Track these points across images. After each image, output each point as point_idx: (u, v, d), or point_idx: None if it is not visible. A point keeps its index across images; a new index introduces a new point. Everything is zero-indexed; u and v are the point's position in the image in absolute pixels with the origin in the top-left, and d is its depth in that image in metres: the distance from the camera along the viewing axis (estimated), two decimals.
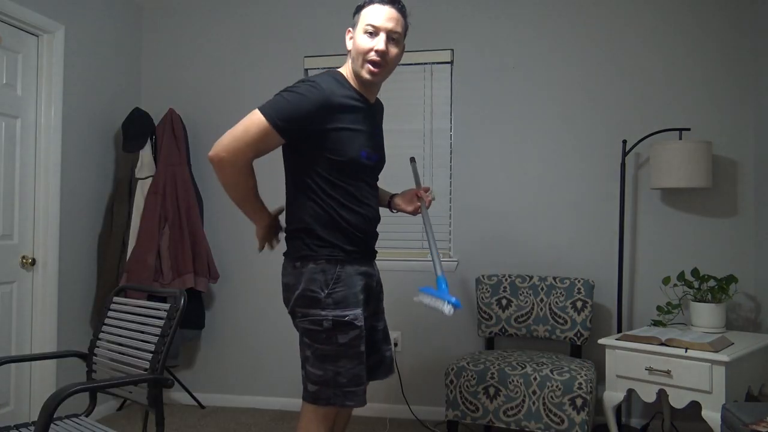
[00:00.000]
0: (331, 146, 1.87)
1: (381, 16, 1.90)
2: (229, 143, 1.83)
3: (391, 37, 1.92)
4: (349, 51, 1.96)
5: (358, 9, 1.96)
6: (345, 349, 1.88)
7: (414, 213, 2.23)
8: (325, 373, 1.89)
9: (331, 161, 1.89)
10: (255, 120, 1.82)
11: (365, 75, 1.92)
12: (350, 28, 1.98)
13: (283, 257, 2.01)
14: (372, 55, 1.89)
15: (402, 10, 1.95)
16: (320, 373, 1.90)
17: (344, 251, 1.93)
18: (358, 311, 1.91)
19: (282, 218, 2.09)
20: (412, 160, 2.50)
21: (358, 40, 1.92)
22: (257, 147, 1.84)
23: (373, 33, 1.90)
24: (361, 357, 1.91)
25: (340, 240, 1.93)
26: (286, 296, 1.98)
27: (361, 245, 1.99)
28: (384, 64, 1.92)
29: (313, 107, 1.82)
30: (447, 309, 1.90)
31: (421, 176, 3.52)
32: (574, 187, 3.40)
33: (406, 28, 1.98)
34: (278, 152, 1.98)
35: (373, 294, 2.06)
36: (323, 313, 1.88)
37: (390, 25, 1.91)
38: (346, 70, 1.98)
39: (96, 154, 3.55)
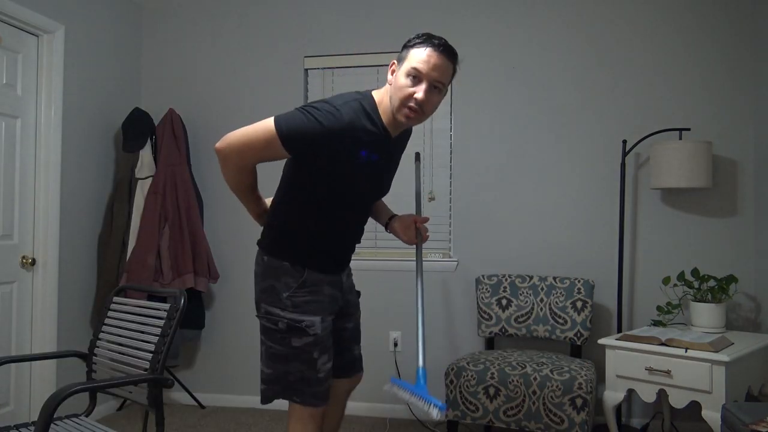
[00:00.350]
0: (331, 173, 1.84)
1: (429, 63, 1.77)
2: (235, 141, 1.82)
3: (434, 85, 1.80)
4: (389, 83, 1.86)
5: (409, 45, 1.83)
6: (298, 353, 1.90)
7: (407, 242, 2.16)
8: (275, 371, 1.92)
9: (327, 185, 1.87)
10: (266, 126, 1.79)
11: (400, 118, 1.82)
12: (395, 60, 1.87)
13: (257, 245, 2.02)
14: (411, 103, 1.79)
15: (454, 59, 1.83)
16: (269, 371, 1.94)
17: (312, 259, 1.93)
18: (317, 319, 1.91)
19: None
20: (417, 157, 2.47)
21: (400, 79, 1.81)
22: (261, 153, 1.82)
23: (417, 78, 1.78)
24: (312, 363, 1.90)
25: (312, 253, 1.94)
26: (255, 284, 2.01)
27: (333, 260, 2.01)
28: (421, 113, 1.82)
29: (324, 135, 1.75)
30: (435, 413, 1.82)
31: (421, 178, 3.55)
32: (574, 186, 3.40)
33: (453, 74, 1.86)
34: None
35: (339, 301, 2.05)
36: (281, 314, 1.90)
37: (435, 74, 1.78)
38: (380, 95, 1.88)
39: (96, 154, 3.55)
